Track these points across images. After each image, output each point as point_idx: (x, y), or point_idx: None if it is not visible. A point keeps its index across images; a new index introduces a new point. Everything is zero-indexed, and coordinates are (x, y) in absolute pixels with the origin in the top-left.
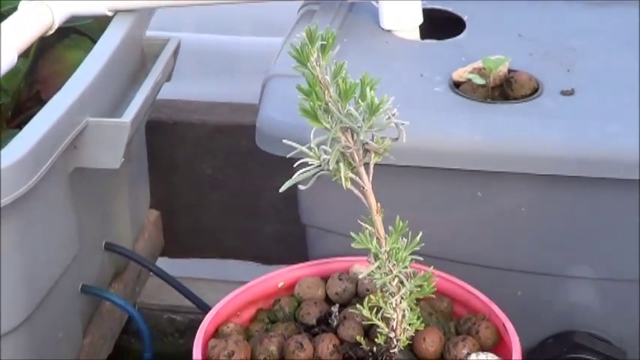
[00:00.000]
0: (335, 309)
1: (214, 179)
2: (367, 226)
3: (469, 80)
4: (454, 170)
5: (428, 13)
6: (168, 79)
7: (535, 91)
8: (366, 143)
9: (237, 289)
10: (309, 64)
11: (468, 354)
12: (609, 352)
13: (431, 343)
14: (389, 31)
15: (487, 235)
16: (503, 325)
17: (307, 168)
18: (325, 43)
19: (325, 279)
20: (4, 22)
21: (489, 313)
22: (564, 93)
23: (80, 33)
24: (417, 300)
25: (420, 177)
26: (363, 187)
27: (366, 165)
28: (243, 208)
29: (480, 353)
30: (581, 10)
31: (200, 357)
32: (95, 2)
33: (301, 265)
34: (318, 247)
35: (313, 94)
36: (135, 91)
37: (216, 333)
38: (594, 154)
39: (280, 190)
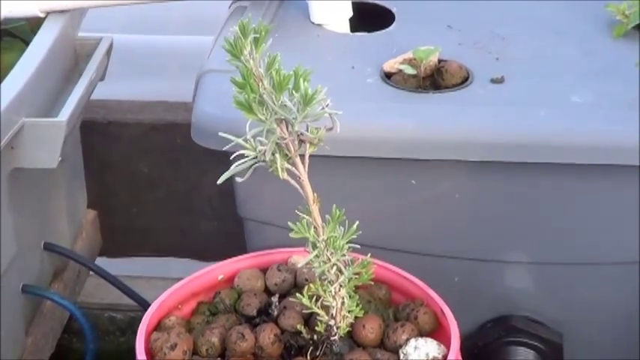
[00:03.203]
0: (275, 299)
1: (150, 177)
2: (305, 215)
3: (400, 71)
4: (388, 159)
5: (358, 7)
6: (102, 78)
7: (466, 80)
8: (301, 134)
9: (177, 283)
10: (242, 57)
11: (407, 340)
12: (546, 335)
13: (371, 329)
14: (319, 25)
15: (423, 223)
16: (441, 310)
17: (243, 160)
18: (258, 36)
19: (264, 270)
20: None
21: (427, 298)
22: (494, 81)
23: (13, 35)
24: (356, 288)
25: (355, 167)
26: (299, 178)
27: (302, 156)
28: (179, 206)
29: (419, 339)
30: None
31: (143, 350)
32: (27, 3)
33: (240, 257)
34: (256, 240)
35: (247, 86)
36: (69, 90)
37: (159, 326)
38: (522, 139)
39: (218, 183)
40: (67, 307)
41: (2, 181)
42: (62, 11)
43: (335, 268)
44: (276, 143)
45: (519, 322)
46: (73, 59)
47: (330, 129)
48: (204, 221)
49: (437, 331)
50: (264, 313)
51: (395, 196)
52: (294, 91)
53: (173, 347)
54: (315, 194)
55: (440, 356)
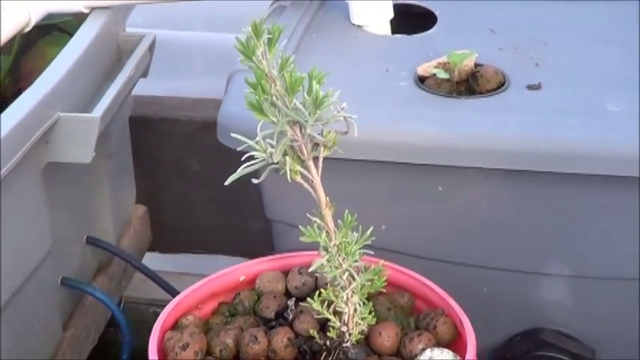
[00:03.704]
0: (291, 303)
1: (201, 175)
2: (316, 219)
3: (434, 75)
4: (415, 165)
5: (401, 8)
6: (144, 75)
7: (501, 86)
8: (313, 137)
9: (197, 282)
10: (254, 57)
11: (423, 349)
12: (577, 350)
13: (387, 337)
14: (359, 26)
15: (450, 230)
16: (460, 320)
17: (253, 161)
18: (271, 37)
19: (286, 273)
20: None
21: (447, 308)
22: (531, 87)
23: (61, 30)
24: (378, 294)
25: (382, 171)
26: (312, 181)
27: (316, 159)
28: (229, 204)
29: (435, 349)
30: (555, 5)
31: (155, 348)
32: (71, 0)
33: (262, 259)
34: (283, 242)
35: (259, 87)
36: (109, 86)
37: (176, 325)
38: (550, 148)
39: (225, 184)
40: (104, 301)
41: (37, 175)
42: (106, 8)
43: (347, 274)
44: (290, 146)
45: (549, 336)
46: (115, 55)
47: (345, 133)
48: (253, 220)
49: (456, 342)
50: (282, 316)
51: (422, 202)
52: (306, 94)
53: (185, 347)
54: (328, 198)
55: None
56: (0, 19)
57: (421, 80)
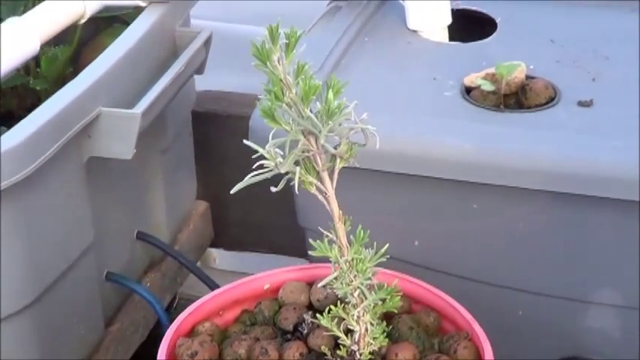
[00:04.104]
0: (307, 316)
1: None
2: (328, 233)
3: (480, 86)
4: (449, 180)
5: (461, 14)
6: (200, 71)
7: (551, 100)
8: (327, 148)
9: (220, 288)
10: (269, 63)
11: None
12: None
13: (402, 359)
14: (415, 31)
15: (485, 250)
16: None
17: (261, 170)
18: (288, 42)
19: (311, 284)
20: (30, 11)
21: (471, 332)
22: (581, 104)
23: (123, 22)
24: (402, 312)
25: (416, 185)
26: (326, 193)
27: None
28: (293, 204)
29: None
30: (622, 17)
31: (164, 354)
32: None
33: (289, 268)
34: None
35: (272, 94)
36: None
37: (192, 331)
38: (590, 171)
39: (231, 192)
40: (147, 298)
41: (78, 168)
42: (163, 1)
43: (358, 291)
44: (306, 156)
45: None
46: (171, 50)
47: (364, 145)
48: None
49: None
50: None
51: (456, 219)
52: (318, 103)
53: (193, 355)
54: (341, 211)
55: None
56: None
57: (468, 91)
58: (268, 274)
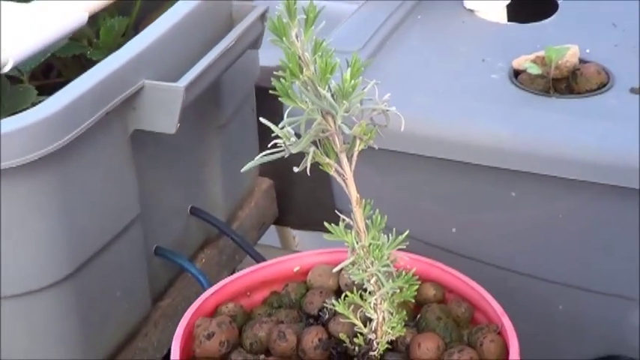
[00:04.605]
0: (329, 301)
1: None
2: (345, 217)
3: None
4: (486, 167)
5: None
6: (256, 46)
7: (602, 86)
8: (343, 129)
9: (247, 269)
10: (285, 38)
11: None
12: None
13: (426, 350)
14: (471, 10)
15: (523, 240)
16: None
17: (272, 150)
18: (306, 17)
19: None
20: None
21: (501, 325)
22: (633, 91)
23: None
24: (440, 302)
25: (453, 170)
26: (344, 176)
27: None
28: None
29: None
30: None
31: (181, 334)
32: None
33: (320, 250)
34: None
35: (287, 70)
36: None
37: (215, 312)
38: (628, 161)
39: (242, 171)
40: (194, 275)
41: (123, 141)
42: None
43: (375, 278)
44: (325, 137)
45: None
46: (226, 24)
47: (385, 126)
48: None
49: None
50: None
51: (494, 207)
52: (333, 83)
53: (209, 337)
54: (359, 195)
55: None
56: None
57: (516, 74)
58: (299, 256)
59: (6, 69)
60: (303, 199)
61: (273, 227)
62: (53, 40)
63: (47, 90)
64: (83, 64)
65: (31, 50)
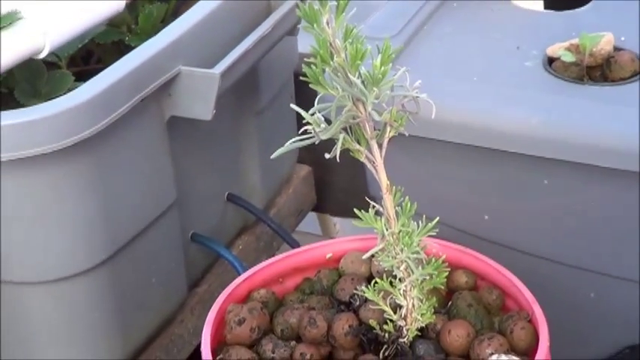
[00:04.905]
0: (360, 288)
1: None
2: (375, 204)
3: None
4: (518, 154)
5: None
6: (292, 33)
7: (636, 74)
8: (373, 115)
9: (279, 255)
10: (316, 25)
11: (491, 354)
12: None
13: (456, 337)
14: None
15: (556, 228)
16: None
17: (302, 137)
18: (337, 4)
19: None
20: None
21: (532, 313)
22: None
23: None
24: (472, 289)
25: (485, 157)
26: (374, 163)
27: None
28: None
29: (503, 355)
30: None
31: (211, 321)
32: None
33: (354, 237)
34: None
35: (318, 56)
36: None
37: (247, 298)
38: None
39: (272, 157)
40: (230, 261)
41: (159, 126)
42: None
43: (404, 265)
44: (356, 123)
45: None
46: (263, 11)
47: (416, 113)
48: None
49: (534, 351)
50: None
51: (526, 194)
52: (363, 70)
53: (240, 322)
54: (388, 182)
55: None
56: None
57: (550, 62)
58: (331, 242)
59: (43, 54)
60: (341, 186)
61: (314, 214)
62: (90, 26)
63: (87, 76)
64: (122, 50)
65: (68, 36)
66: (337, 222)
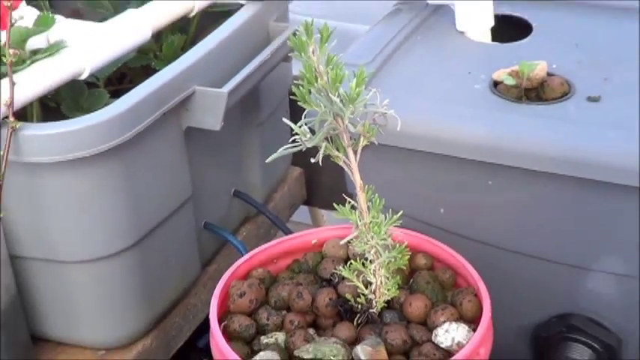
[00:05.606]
0: (338, 268)
1: None
2: (351, 200)
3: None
4: (468, 160)
5: (503, 18)
6: (287, 59)
7: (565, 95)
8: (350, 128)
9: (272, 241)
10: (304, 53)
11: (444, 322)
12: (604, 337)
13: (416, 307)
14: (462, 32)
15: (498, 220)
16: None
17: (291, 145)
18: (321, 35)
19: None
20: (149, 3)
21: (477, 288)
22: (590, 99)
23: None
24: (423, 268)
25: (441, 162)
26: (350, 166)
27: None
28: None
29: (453, 323)
30: None
31: (219, 292)
32: None
33: (334, 226)
34: None
35: (305, 79)
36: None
37: (247, 275)
38: (595, 158)
39: (266, 161)
40: (235, 244)
41: (177, 135)
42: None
43: (374, 250)
44: (335, 134)
45: (580, 322)
46: (265, 41)
47: (384, 126)
48: None
49: (479, 319)
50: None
51: (474, 193)
52: (341, 90)
53: (241, 295)
54: (362, 182)
55: (464, 342)
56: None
57: (496, 85)
58: (316, 231)
59: (84, 76)
60: (327, 185)
61: (306, 207)
62: (122, 53)
63: (120, 93)
64: (149, 72)
65: (104, 61)
66: (325, 214)
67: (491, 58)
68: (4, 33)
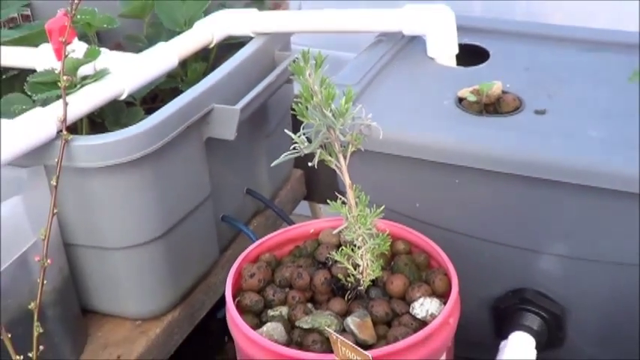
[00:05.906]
0: (332, 253)
1: None
2: (342, 196)
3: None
4: (438, 162)
5: (466, 47)
6: (290, 81)
7: (517, 109)
8: (340, 137)
9: (278, 231)
10: (302, 76)
11: (420, 297)
12: (550, 307)
13: (396, 285)
14: (432, 59)
15: (464, 212)
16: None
17: (292, 151)
18: (315, 62)
19: None
20: (176, 37)
21: (447, 269)
22: (537, 112)
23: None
24: (402, 253)
25: (417, 165)
26: (340, 169)
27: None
28: None
29: (428, 298)
30: (579, 53)
31: (233, 273)
32: (243, 27)
33: (328, 219)
34: None
35: (303, 97)
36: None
37: (257, 259)
38: (540, 159)
39: (272, 165)
40: (248, 234)
41: (199, 144)
42: (266, 33)
43: (361, 238)
44: (328, 142)
45: (530, 295)
46: (271, 67)
47: (368, 135)
48: None
49: (448, 295)
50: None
51: (444, 190)
52: (333, 106)
53: (251, 276)
54: (351, 181)
55: (437, 313)
56: (190, 37)
57: (460, 100)
58: (314, 222)
59: (123, 97)
60: (323, 184)
61: (306, 202)
62: (155, 78)
63: (153, 111)
64: (177, 93)
65: (140, 84)
66: (322, 207)
67: (456, 79)
68: (59, 63)
